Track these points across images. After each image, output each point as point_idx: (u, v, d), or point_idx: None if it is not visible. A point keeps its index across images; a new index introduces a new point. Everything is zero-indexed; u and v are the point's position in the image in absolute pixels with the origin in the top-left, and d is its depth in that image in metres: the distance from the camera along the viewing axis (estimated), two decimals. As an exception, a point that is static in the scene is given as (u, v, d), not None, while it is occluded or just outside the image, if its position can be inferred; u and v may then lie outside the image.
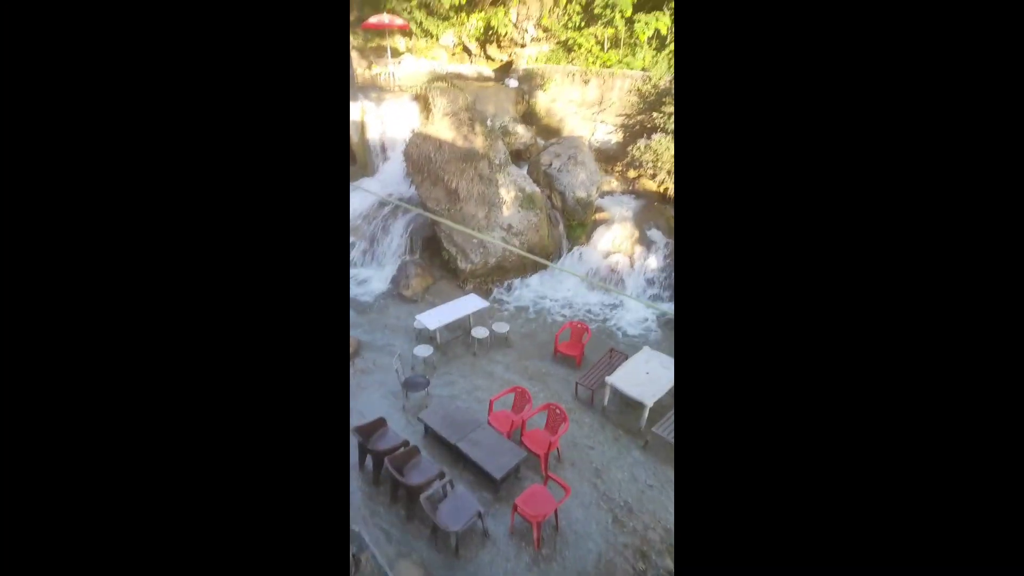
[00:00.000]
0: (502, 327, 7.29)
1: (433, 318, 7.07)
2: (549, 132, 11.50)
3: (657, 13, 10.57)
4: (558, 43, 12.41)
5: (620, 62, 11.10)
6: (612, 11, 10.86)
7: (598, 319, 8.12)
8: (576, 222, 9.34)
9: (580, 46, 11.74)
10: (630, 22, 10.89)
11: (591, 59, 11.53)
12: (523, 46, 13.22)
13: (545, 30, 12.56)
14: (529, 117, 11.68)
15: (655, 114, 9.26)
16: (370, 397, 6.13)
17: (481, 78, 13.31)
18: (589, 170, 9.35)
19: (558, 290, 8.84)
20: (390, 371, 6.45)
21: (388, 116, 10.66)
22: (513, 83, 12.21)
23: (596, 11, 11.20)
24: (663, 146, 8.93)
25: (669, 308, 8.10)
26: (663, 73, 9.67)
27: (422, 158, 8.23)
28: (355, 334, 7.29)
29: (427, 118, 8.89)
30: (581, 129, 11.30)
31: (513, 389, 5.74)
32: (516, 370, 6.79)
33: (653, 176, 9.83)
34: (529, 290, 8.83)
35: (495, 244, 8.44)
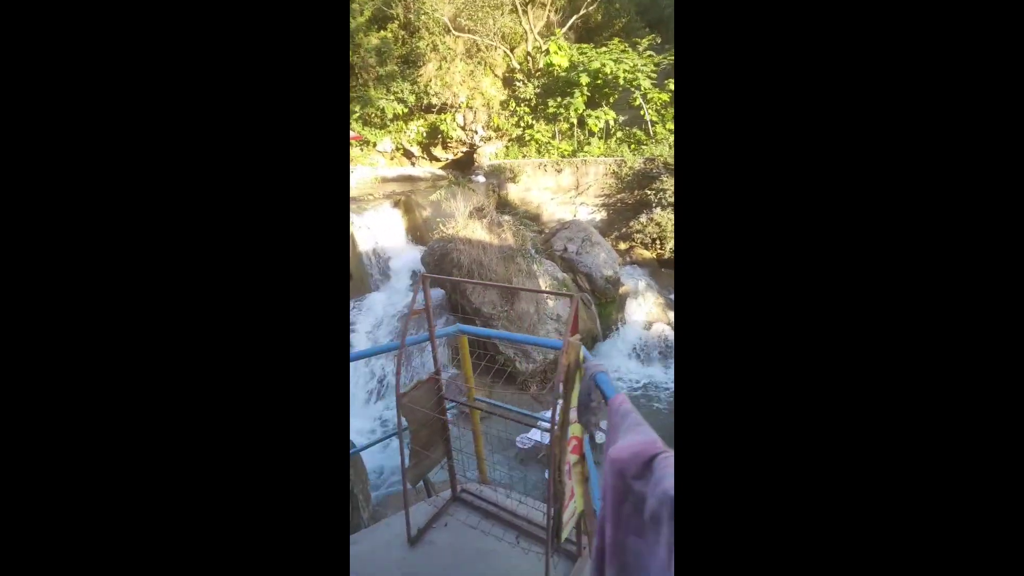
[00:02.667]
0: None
1: (537, 431, 6.35)
2: (519, 218, 11.84)
3: (604, 109, 12.00)
4: (510, 140, 13.22)
5: (580, 151, 12.17)
6: (567, 110, 12.05)
7: (664, 389, 8.11)
8: (607, 300, 9.49)
9: (535, 140, 12.65)
10: (581, 118, 12.17)
11: (547, 151, 12.46)
12: (472, 146, 13.77)
13: (496, 129, 13.31)
14: (502, 208, 11.93)
15: (648, 191, 10.19)
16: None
17: (435, 178, 13.35)
18: (606, 248, 9.74)
19: (611, 365, 8.69)
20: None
21: (374, 226, 9.96)
22: (480, 179, 12.47)
23: (550, 111, 12.31)
24: (665, 218, 9.78)
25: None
26: (634, 160, 10.81)
27: (473, 263, 7.75)
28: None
29: (450, 222, 8.51)
30: (561, 213, 11.85)
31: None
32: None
33: (652, 245, 10.61)
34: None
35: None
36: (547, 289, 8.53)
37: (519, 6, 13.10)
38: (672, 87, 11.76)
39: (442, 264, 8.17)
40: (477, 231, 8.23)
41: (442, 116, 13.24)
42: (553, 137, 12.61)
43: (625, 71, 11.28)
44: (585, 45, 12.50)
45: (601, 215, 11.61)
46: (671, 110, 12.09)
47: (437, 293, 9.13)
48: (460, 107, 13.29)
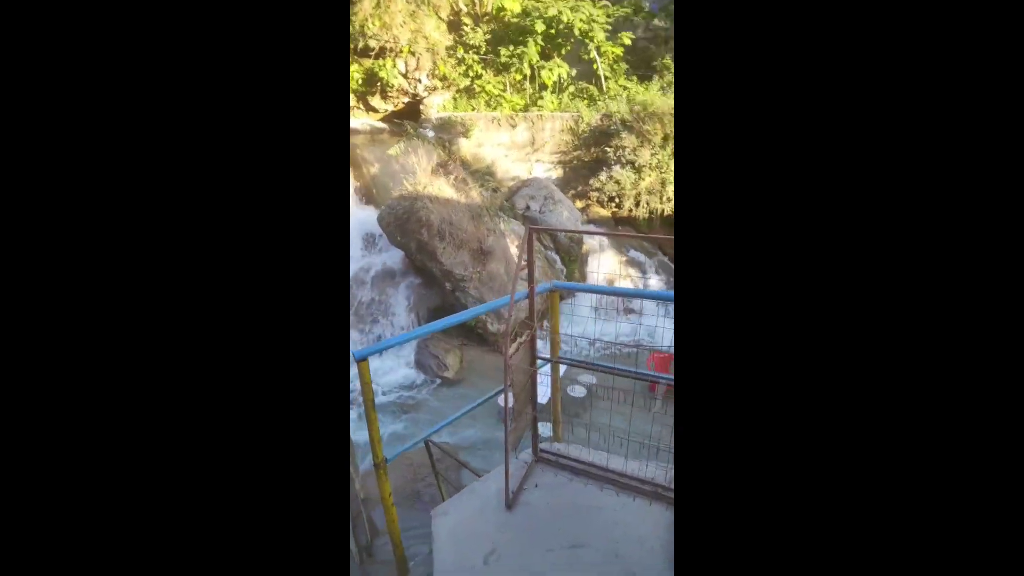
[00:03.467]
0: (589, 379, 6.98)
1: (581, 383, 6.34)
2: (479, 176, 11.37)
3: (557, 61, 11.61)
4: (458, 90, 12.41)
5: (534, 106, 11.76)
6: (520, 60, 11.48)
7: (633, 339, 8.45)
8: (571, 259, 9.52)
9: (485, 91, 12.00)
10: (534, 69, 11.69)
11: (498, 104, 11.90)
12: (415, 96, 12.75)
13: (442, 78, 12.39)
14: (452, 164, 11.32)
15: (607, 148, 10.14)
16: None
17: (375, 131, 12.28)
18: (568, 206, 9.67)
19: (577, 322, 8.85)
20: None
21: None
22: (429, 133, 11.67)
23: (503, 60, 11.66)
24: (627, 177, 9.85)
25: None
26: (591, 116, 10.66)
27: (443, 222, 7.29)
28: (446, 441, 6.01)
29: (411, 179, 7.91)
30: (517, 170, 11.53)
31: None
32: (638, 420, 6.60)
33: (608, 203, 10.71)
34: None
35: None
36: (518, 249, 8.33)
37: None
38: (626, 40, 11.61)
39: (407, 224, 7.62)
40: (444, 188, 7.74)
41: (381, 62, 12.02)
42: (504, 89, 12.02)
43: (581, 21, 10.88)
44: (539, -11, 11.85)
45: (558, 172, 11.45)
46: (623, 64, 11.98)
47: (397, 255, 8.60)
48: (401, 52, 12.13)
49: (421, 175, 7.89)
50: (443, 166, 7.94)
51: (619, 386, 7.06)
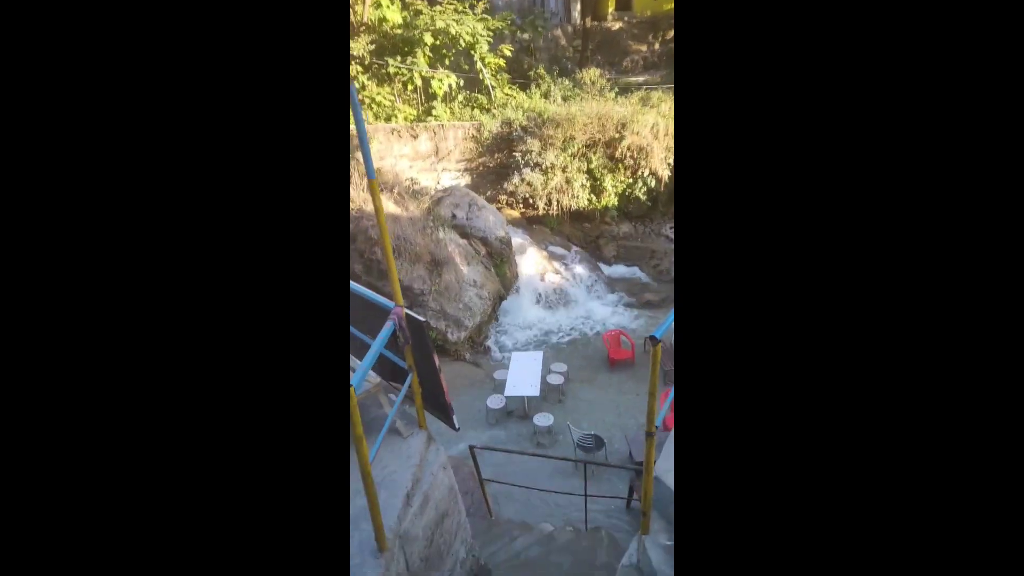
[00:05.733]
0: (560, 367, 7.52)
1: (514, 387, 6.66)
2: (385, 187, 11.07)
3: (445, 72, 11.90)
4: (344, 102, 11.84)
5: (429, 115, 11.86)
6: (410, 72, 11.46)
7: (581, 327, 9.32)
8: (502, 260, 9.96)
9: (375, 103, 11.70)
10: (425, 80, 11.79)
11: (392, 115, 11.73)
12: (293, 108, 11.73)
13: (325, 90, 11.65)
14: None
15: (514, 153, 10.78)
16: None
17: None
18: (492, 211, 10.07)
19: (524, 318, 9.40)
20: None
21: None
22: (323, 148, 10.91)
23: (392, 71, 11.49)
24: (538, 179, 10.62)
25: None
26: (492, 124, 11.21)
27: (402, 239, 7.07)
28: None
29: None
30: (425, 179, 11.49)
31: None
32: (612, 391, 7.38)
33: (518, 204, 11.39)
34: (509, 334, 9.02)
35: (476, 303, 8.26)
36: (467, 254, 8.47)
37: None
38: (507, 52, 12.40)
39: (355, 245, 7.21)
40: (385, 203, 7.51)
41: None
42: (394, 100, 11.85)
43: (467, 33, 11.33)
44: (418, 2, 11.91)
45: (465, 179, 11.74)
46: (506, 75, 12.78)
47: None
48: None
49: (355, 192, 7.54)
50: (383, 181, 7.67)
51: (585, 378, 7.94)
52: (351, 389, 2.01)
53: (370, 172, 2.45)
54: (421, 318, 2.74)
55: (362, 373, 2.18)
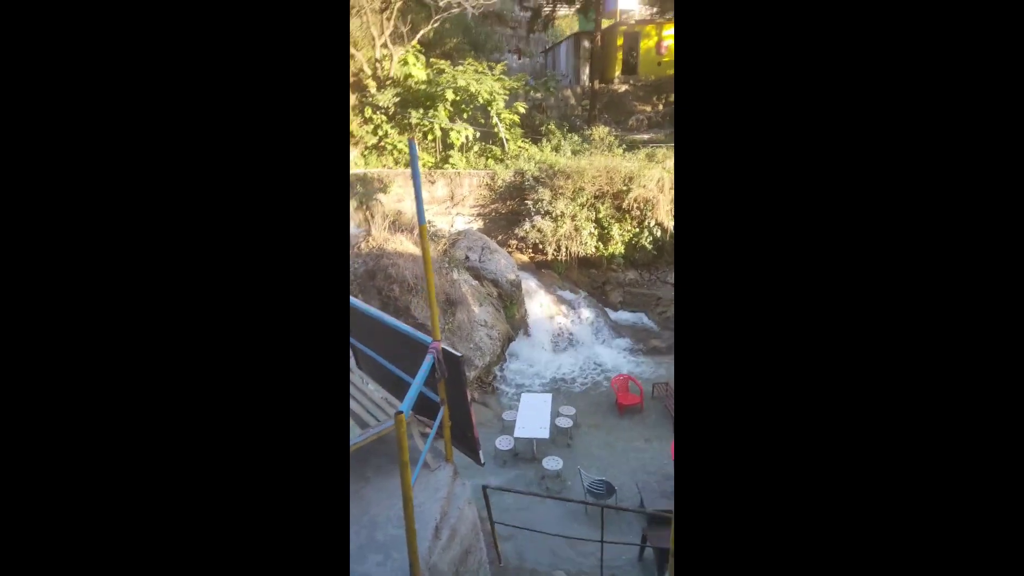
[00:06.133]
0: (568, 410, 7.59)
1: (523, 429, 6.72)
2: (404, 228, 11.53)
3: (463, 124, 12.66)
4: (366, 147, 12.53)
5: (444, 164, 12.51)
6: (431, 123, 12.22)
7: (588, 370, 9.43)
8: (511, 302, 10.23)
9: (396, 149, 12.39)
10: (444, 131, 12.54)
11: (408, 160, 12.38)
12: (318, 152, 12.39)
13: (350, 137, 12.36)
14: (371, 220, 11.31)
15: (526, 201, 11.29)
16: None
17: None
18: (503, 255, 10.44)
19: (531, 359, 9.52)
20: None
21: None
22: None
23: (413, 122, 12.24)
24: (548, 226, 11.08)
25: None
26: (506, 173, 11.82)
27: (415, 278, 7.36)
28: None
29: (367, 238, 7.86)
30: (439, 223, 11.96)
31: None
32: (621, 436, 7.38)
33: (527, 249, 11.80)
34: (517, 374, 9.13)
35: (486, 342, 8.44)
36: (470, 300, 8.74)
37: (370, 12, 12.54)
38: (521, 109, 13.23)
39: (373, 281, 7.50)
40: (404, 243, 7.86)
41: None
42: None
43: (486, 91, 12.16)
44: (441, 61, 12.85)
45: (478, 224, 12.21)
46: (519, 129, 13.56)
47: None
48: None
49: (376, 231, 7.91)
50: (395, 222, 8.07)
51: (594, 422, 7.97)
52: (400, 416, 2.18)
53: (421, 218, 2.72)
54: (458, 353, 2.93)
55: (409, 402, 2.35)
